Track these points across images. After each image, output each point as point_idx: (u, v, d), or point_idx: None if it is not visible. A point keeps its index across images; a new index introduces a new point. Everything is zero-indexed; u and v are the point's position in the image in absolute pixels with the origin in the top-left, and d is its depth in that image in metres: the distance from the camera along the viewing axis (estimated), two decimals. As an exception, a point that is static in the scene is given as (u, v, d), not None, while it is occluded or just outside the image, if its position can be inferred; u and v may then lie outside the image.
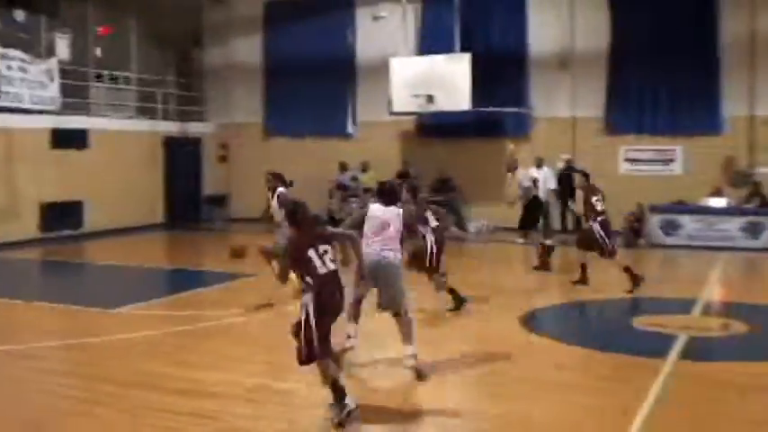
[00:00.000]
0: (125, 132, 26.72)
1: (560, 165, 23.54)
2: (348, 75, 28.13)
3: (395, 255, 9.93)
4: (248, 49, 29.73)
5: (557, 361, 10.53)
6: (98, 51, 26.94)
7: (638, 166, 24.56)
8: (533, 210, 19.07)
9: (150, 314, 13.60)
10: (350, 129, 28.38)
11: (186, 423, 8.07)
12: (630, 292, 15.07)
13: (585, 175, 16.31)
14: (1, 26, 19.87)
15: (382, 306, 10.02)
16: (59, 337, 12.20)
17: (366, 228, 9.99)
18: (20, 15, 24.20)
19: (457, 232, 21.53)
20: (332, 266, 8.26)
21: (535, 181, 19.52)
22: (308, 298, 8.08)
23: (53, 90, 23.31)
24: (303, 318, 8.03)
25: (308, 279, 8.14)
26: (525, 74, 25.59)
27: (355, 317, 10.42)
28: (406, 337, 9.81)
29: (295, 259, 8.28)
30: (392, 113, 25.22)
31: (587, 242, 15.80)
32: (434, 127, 26.47)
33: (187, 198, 29.48)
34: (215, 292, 16.09)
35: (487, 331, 12.46)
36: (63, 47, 24.58)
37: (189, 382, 9.50)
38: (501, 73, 25.20)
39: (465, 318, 13.27)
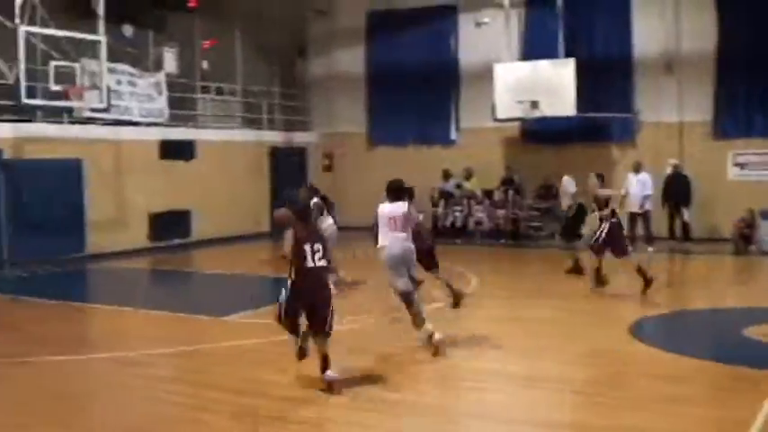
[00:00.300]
0: (231, 143, 27.10)
1: (668, 170, 23.14)
2: (451, 82, 28.08)
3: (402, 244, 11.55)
4: (351, 59, 29.91)
5: (667, 371, 10.32)
6: (204, 64, 27.40)
7: (748, 171, 23.96)
8: (578, 217, 19.23)
9: (257, 322, 13.70)
10: (453, 136, 28.33)
11: (293, 431, 8.10)
12: (644, 292, 15.22)
13: (600, 177, 16.39)
14: (110, 41, 20.28)
15: None
16: (168, 344, 12.36)
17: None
18: (128, 30, 24.73)
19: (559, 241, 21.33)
20: (319, 264, 9.50)
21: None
22: (290, 283, 9.54)
23: (161, 103, 23.75)
24: (282, 296, 9.66)
25: (296, 268, 9.49)
26: (630, 78, 25.21)
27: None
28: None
29: (293, 250, 9.49)
30: (496, 120, 25.07)
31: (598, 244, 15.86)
32: (538, 133, 26.23)
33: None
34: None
35: (595, 340, 12.26)
36: (170, 60, 25.07)
37: (295, 389, 9.55)
38: (606, 77, 24.90)
39: (571, 326, 13.12)
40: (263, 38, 29.37)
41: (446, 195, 26.59)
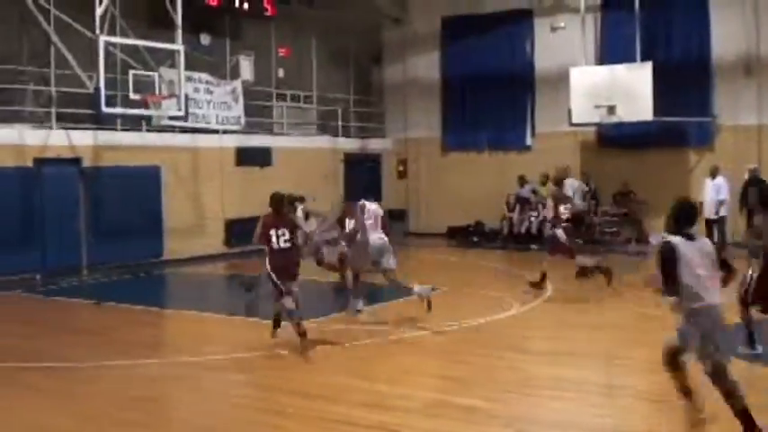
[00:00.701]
0: (306, 150, 27.30)
1: (746, 175, 22.74)
2: (526, 86, 27.98)
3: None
4: (426, 65, 29.96)
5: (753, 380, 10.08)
6: (280, 72, 27.65)
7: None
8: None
9: (333, 328, 13.80)
10: (528, 141, 28.20)
11: (368, 436, 8.14)
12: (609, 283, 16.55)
13: (558, 184, 16.96)
14: (188, 50, 20.56)
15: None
16: (244, 349, 12.47)
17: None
18: (205, 39, 25.07)
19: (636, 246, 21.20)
20: (283, 246, 12.02)
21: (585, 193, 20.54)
22: (267, 261, 12.06)
23: (238, 110, 24.01)
24: (265, 272, 12.10)
25: (267, 249, 12.05)
26: (708, 81, 24.89)
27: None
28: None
29: (262, 233, 12.08)
30: (572, 125, 24.89)
31: (554, 246, 17.02)
32: (615, 138, 25.98)
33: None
34: (398, 305, 16.19)
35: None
36: (247, 68, 25.32)
37: (372, 395, 9.58)
38: (683, 80, 24.58)
39: (647, 333, 12.96)
40: (339, 45, 29.58)
41: (521, 201, 26.48)
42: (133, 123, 22.49)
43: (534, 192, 26.38)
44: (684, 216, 7.75)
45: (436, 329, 13.27)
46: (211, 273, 19.04)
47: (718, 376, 7.38)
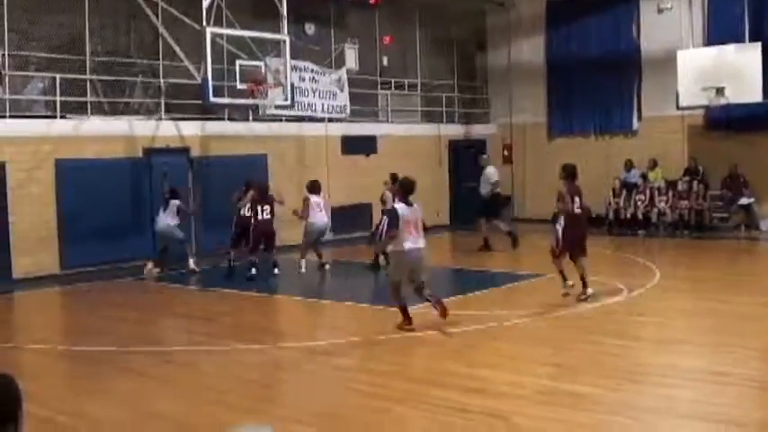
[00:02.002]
0: (411, 137, 27.39)
1: None
2: (632, 69, 27.54)
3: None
4: (531, 50, 29.77)
5: None
6: (384, 60, 27.76)
7: None
8: (495, 202, 22.77)
9: (437, 313, 13.84)
10: (635, 125, 27.77)
11: (479, 422, 8.11)
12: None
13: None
14: (293, 39, 20.75)
15: None
16: (352, 334, 12.59)
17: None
18: (310, 29, 25.30)
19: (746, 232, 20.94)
20: (266, 217, 18.25)
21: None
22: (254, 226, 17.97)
23: (343, 99, 24.16)
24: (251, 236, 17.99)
25: (254, 221, 18.12)
26: (822, 60, 24.15)
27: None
28: None
29: (252, 207, 18.17)
30: (679, 108, 24.44)
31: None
32: (724, 120, 25.37)
33: (472, 199, 29.78)
34: (502, 292, 16.19)
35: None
36: (351, 57, 25.48)
37: (479, 381, 9.58)
38: (795, 61, 23.89)
39: (758, 320, 12.77)
40: (442, 31, 29.60)
41: (628, 186, 26.12)
42: (240, 113, 22.83)
43: (643, 176, 25.99)
44: None
45: (542, 316, 13.21)
46: (317, 260, 19.23)
47: None
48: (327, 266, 19.51)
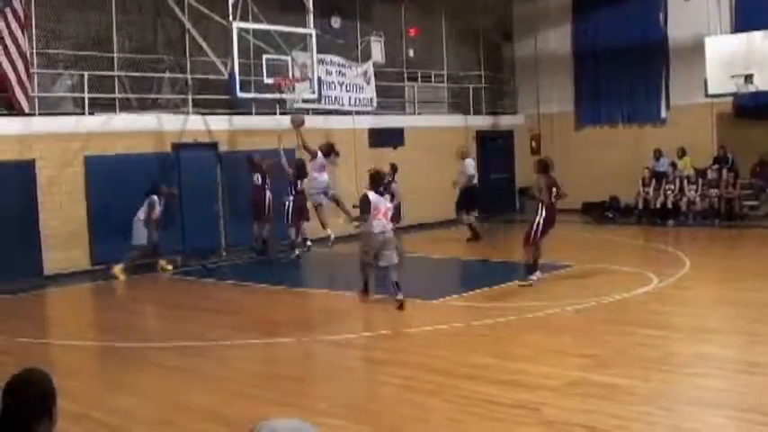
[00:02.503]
0: (438, 129, 27.37)
1: None
2: (660, 58, 27.36)
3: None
4: (557, 39, 29.66)
5: None
6: (410, 52, 27.75)
7: None
8: (470, 195, 22.75)
9: (468, 305, 13.85)
10: (663, 113, 27.59)
11: (509, 414, 8.11)
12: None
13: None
14: (319, 33, 20.79)
15: None
16: (380, 326, 12.62)
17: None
18: (336, 22, 25.32)
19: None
20: (258, 183, 19.71)
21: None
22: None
23: (370, 92, 24.18)
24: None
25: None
26: None
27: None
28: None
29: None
30: (708, 96, 24.24)
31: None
32: (753, 108, 25.05)
33: (501, 191, 29.81)
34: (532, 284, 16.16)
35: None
36: (377, 50, 25.47)
37: (509, 373, 9.58)
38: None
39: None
40: (468, 23, 29.55)
41: (658, 175, 25.97)
42: (267, 107, 22.88)
43: (673, 165, 25.82)
44: None
45: (571, 307, 13.18)
46: (347, 253, 19.22)
47: None
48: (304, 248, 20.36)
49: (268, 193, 20.42)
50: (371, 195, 14.06)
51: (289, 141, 20.45)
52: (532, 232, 15.58)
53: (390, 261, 13.92)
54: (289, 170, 20.08)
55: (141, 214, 18.71)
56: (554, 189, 15.56)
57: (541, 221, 15.52)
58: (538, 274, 15.48)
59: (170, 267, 19.22)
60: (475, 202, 22.93)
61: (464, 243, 22.33)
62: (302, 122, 19.91)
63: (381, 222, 13.92)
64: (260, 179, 20.43)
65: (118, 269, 18.40)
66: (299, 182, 19.95)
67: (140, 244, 18.67)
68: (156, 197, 18.83)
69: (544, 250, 16.05)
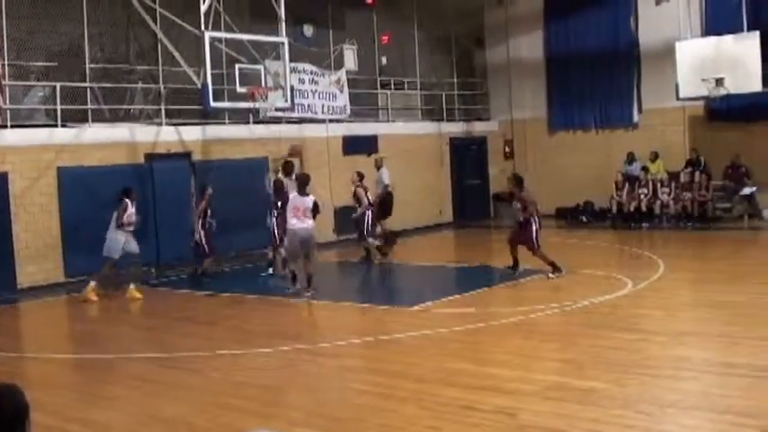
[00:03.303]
0: (412, 136, 27.41)
1: None
2: (631, 62, 27.49)
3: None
4: (529, 45, 29.74)
5: None
6: (383, 59, 27.77)
7: None
8: (386, 204, 21.93)
9: (444, 312, 13.86)
10: (635, 117, 27.72)
11: (487, 420, 8.11)
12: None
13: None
14: (292, 42, 20.75)
15: None
16: (357, 334, 12.61)
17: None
18: (309, 30, 25.31)
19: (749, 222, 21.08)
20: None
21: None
22: None
23: (343, 100, 24.13)
24: None
25: None
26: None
27: None
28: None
29: None
30: (679, 99, 24.35)
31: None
32: (724, 111, 25.27)
33: (475, 196, 29.88)
34: (506, 289, 16.20)
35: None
36: (350, 58, 25.44)
37: (487, 378, 9.59)
38: (794, 49, 23.79)
39: (765, 310, 12.76)
40: (441, 30, 29.62)
41: (630, 179, 26.08)
42: (240, 117, 22.85)
43: (644, 169, 25.94)
44: None
45: (548, 311, 13.21)
46: (322, 261, 19.21)
47: None
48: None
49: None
50: (292, 196, 16.30)
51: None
52: (535, 241, 16.74)
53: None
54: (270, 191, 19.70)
55: (113, 220, 17.37)
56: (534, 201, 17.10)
57: (538, 229, 16.84)
58: (563, 269, 16.61)
59: (139, 296, 17.39)
60: (389, 211, 22.27)
61: (439, 249, 22.32)
62: (299, 152, 20.04)
63: (299, 220, 15.87)
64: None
65: (91, 290, 16.99)
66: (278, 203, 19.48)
67: (111, 257, 17.20)
68: (127, 200, 17.53)
69: (521, 257, 16.19)
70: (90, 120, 20.17)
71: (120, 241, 17.06)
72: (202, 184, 19.16)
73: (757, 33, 22.78)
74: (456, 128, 29.75)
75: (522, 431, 7.80)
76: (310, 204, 16.09)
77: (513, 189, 17.42)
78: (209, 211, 18.84)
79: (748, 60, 22.52)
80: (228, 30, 19.69)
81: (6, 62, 18.86)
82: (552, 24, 29.17)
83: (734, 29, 23.49)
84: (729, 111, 25.09)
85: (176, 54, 19.84)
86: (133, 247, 17.27)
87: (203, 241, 18.84)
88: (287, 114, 22.14)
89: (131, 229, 17.27)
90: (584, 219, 27.25)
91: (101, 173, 19.62)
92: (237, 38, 19.87)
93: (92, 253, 18.29)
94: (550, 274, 16.39)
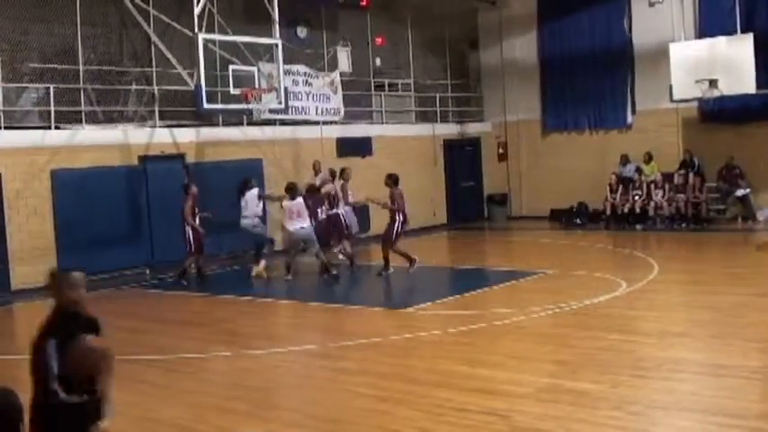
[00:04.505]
0: (406, 137, 27.42)
1: None
2: (625, 64, 27.49)
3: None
4: (523, 47, 29.76)
5: None
6: (377, 61, 27.78)
7: None
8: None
9: (438, 314, 13.86)
10: (629, 119, 27.73)
11: (480, 422, 8.12)
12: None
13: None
14: (285, 44, 20.74)
15: None
16: (351, 337, 12.58)
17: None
18: (302, 32, 25.31)
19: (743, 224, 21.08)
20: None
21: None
22: None
23: (337, 101, 24.13)
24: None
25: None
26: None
27: None
28: None
29: None
30: (673, 101, 24.38)
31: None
32: (718, 112, 25.33)
33: (469, 198, 29.89)
34: (501, 290, 16.20)
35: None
36: (344, 59, 25.43)
37: (479, 380, 9.60)
38: (787, 51, 23.84)
39: (759, 312, 12.78)
40: (434, 32, 29.61)
41: (624, 181, 26.11)
42: (234, 118, 22.84)
43: (639, 170, 25.98)
44: None
45: (542, 313, 13.23)
46: (313, 262, 19.20)
47: None
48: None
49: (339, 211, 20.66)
50: (285, 201, 18.43)
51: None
52: (393, 235, 18.56)
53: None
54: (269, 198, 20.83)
55: (257, 209, 19.83)
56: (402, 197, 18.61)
57: (399, 227, 18.57)
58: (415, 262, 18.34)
59: (265, 274, 19.47)
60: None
61: (434, 250, 22.31)
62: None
63: (293, 222, 18.17)
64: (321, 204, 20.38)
65: (260, 269, 19.40)
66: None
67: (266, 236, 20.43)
68: (256, 188, 19.93)
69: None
70: (84, 121, 20.16)
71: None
72: (185, 185, 19.12)
73: (751, 35, 22.85)
74: (450, 129, 29.75)
75: (515, 433, 7.82)
76: (302, 206, 18.24)
77: (388, 184, 18.60)
78: (196, 210, 18.84)
79: (742, 62, 22.57)
80: (222, 31, 19.68)
81: None
82: (546, 26, 29.19)
83: (727, 31, 23.59)
84: (723, 112, 25.14)
85: (170, 56, 19.85)
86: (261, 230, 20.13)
87: (191, 239, 18.83)
88: (281, 116, 22.14)
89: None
90: (578, 221, 27.26)
91: (94, 174, 19.63)
92: (231, 39, 19.86)
93: (85, 254, 18.30)
94: (410, 269, 18.21)
